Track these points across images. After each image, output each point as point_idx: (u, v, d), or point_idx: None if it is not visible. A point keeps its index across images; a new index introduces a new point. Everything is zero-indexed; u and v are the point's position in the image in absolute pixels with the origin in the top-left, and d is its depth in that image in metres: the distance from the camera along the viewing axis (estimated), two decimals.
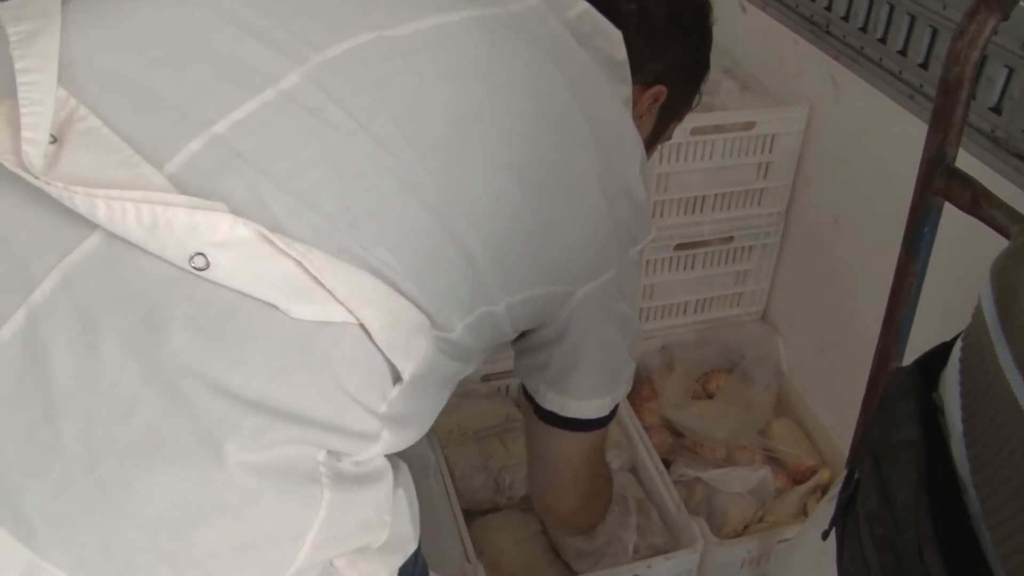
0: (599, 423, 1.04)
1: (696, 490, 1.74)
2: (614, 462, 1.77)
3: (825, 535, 0.76)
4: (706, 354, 2.01)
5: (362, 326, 0.72)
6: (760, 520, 1.73)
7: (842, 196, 1.74)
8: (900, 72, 1.45)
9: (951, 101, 0.97)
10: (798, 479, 1.81)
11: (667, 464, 1.77)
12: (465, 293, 0.80)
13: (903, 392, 0.65)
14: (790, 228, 1.94)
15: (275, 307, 0.69)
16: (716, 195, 1.86)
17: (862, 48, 1.53)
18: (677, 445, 1.85)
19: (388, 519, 0.81)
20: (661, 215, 1.84)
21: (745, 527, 1.71)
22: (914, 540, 0.57)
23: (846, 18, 1.56)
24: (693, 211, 1.87)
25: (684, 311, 2.03)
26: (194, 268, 0.66)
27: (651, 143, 1.14)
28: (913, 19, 1.40)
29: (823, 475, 1.80)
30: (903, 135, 1.48)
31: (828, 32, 1.63)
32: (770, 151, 1.82)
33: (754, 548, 1.60)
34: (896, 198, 1.50)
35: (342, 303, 0.70)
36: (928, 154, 1.02)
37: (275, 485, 0.69)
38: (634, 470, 1.79)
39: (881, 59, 1.49)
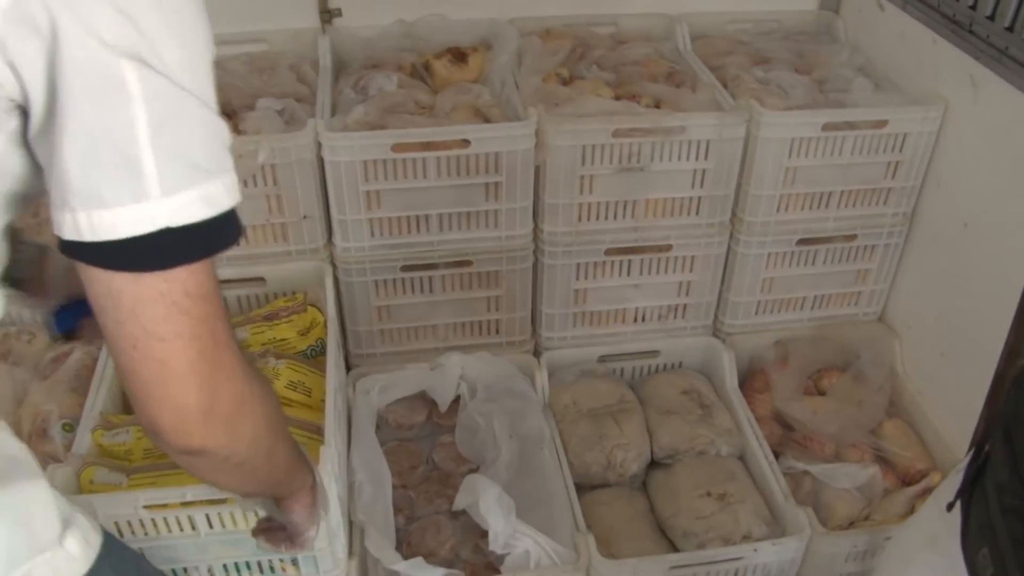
0: (161, 254, 0.69)
1: (803, 483, 1.76)
2: (723, 449, 1.80)
3: (950, 506, 0.77)
4: (821, 351, 2.01)
5: None
6: (866, 518, 1.73)
7: (973, 199, 1.72)
8: None
9: None
10: (908, 481, 1.80)
11: (776, 455, 1.79)
12: None
13: None
14: (915, 229, 1.93)
15: None
16: (842, 192, 1.86)
17: (1007, 48, 1.52)
18: (786, 438, 1.86)
19: None
20: (786, 209, 1.86)
21: (851, 523, 1.72)
22: None
23: (991, 17, 1.55)
24: (818, 206, 1.87)
25: (801, 307, 2.04)
26: None
27: None
28: None
29: (933, 479, 1.78)
30: None
31: (971, 31, 1.62)
32: (900, 150, 1.82)
33: (861, 542, 1.61)
34: None
35: None
36: None
37: None
38: (743, 458, 1.82)
39: None
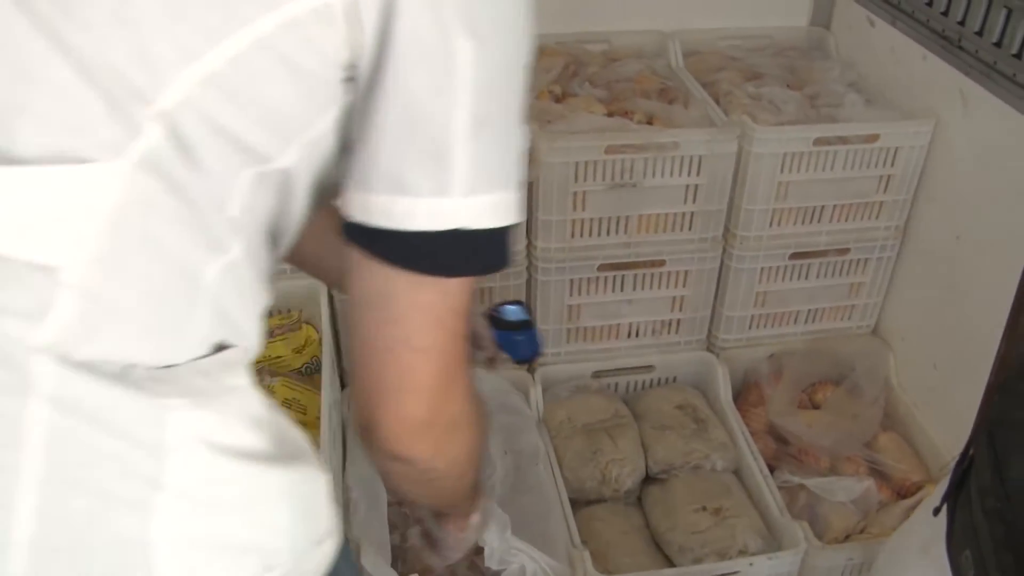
0: (445, 259, 0.67)
1: (799, 496, 1.76)
2: (718, 463, 1.80)
3: (936, 511, 0.78)
4: (815, 365, 2.01)
5: None
6: (862, 531, 1.74)
7: (965, 212, 1.73)
8: None
9: None
10: (903, 493, 1.80)
11: (771, 469, 1.79)
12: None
13: None
14: (908, 242, 1.94)
15: None
16: (835, 206, 1.87)
17: (995, 63, 1.53)
18: (781, 452, 1.86)
19: None
20: (779, 223, 1.86)
21: (846, 537, 1.72)
22: None
23: (980, 33, 1.57)
24: (811, 221, 1.88)
25: (795, 320, 2.04)
26: None
27: None
28: None
29: (929, 491, 1.78)
30: None
31: (960, 47, 1.63)
32: (892, 164, 1.83)
33: (857, 555, 1.61)
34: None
35: None
36: None
37: None
38: (737, 472, 1.82)
39: (1015, 74, 1.49)
